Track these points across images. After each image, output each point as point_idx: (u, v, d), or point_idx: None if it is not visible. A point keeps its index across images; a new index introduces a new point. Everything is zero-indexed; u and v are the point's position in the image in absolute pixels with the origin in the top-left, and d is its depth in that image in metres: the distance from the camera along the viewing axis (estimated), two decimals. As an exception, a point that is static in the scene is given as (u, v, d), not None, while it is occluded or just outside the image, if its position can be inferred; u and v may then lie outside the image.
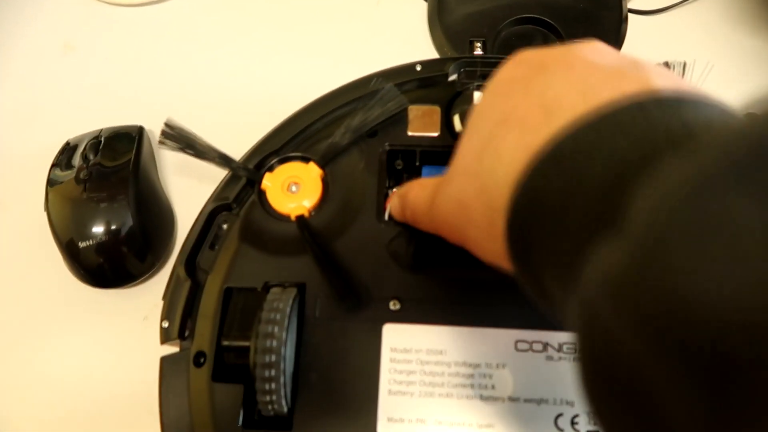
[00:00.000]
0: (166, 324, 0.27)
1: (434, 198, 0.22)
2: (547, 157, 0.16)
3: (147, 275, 0.35)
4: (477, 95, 0.29)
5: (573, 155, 0.15)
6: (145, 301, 0.35)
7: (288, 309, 0.25)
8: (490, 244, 0.19)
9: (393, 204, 0.27)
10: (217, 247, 0.29)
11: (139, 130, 0.38)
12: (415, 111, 0.30)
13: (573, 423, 0.25)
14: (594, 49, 0.19)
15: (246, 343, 0.25)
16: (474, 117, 0.20)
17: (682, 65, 0.29)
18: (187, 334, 0.28)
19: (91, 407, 0.33)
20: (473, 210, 0.19)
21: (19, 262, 0.37)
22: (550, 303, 0.17)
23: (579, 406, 0.25)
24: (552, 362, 0.26)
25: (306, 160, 0.30)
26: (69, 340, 0.35)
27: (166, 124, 0.29)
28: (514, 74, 0.19)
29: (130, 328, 0.34)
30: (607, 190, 0.14)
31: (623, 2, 0.40)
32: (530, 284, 0.18)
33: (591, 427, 0.24)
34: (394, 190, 0.28)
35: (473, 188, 0.19)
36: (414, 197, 0.24)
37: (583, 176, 0.15)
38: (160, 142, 0.29)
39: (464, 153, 0.20)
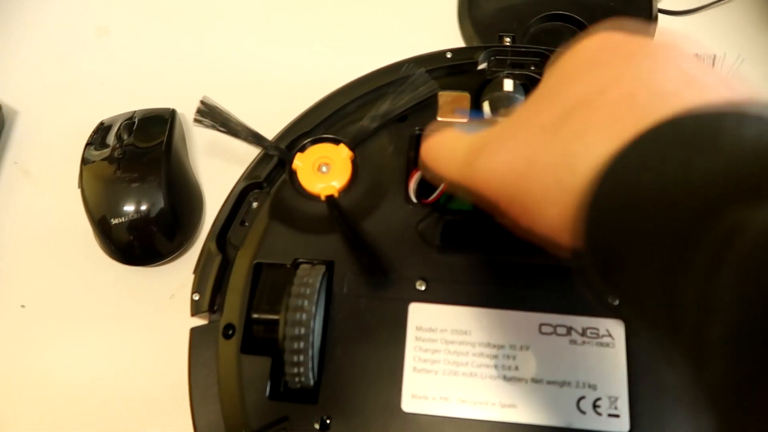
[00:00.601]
0: (197, 297, 0.28)
1: (478, 155, 0.21)
2: (648, 142, 0.15)
3: (175, 255, 0.36)
4: (507, 83, 0.29)
5: (688, 138, 0.14)
6: (172, 280, 0.36)
7: (317, 284, 0.26)
8: (546, 217, 0.18)
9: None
10: (247, 223, 0.29)
11: (172, 113, 0.38)
12: (444, 97, 0.30)
13: (595, 406, 0.25)
14: (681, 52, 0.18)
15: (275, 317, 0.26)
16: (549, 87, 0.20)
17: (711, 58, 0.29)
18: (216, 308, 0.28)
19: (117, 382, 0.34)
20: (535, 181, 0.18)
21: (52, 238, 0.38)
22: (628, 291, 0.16)
23: (601, 390, 0.25)
24: (575, 346, 0.26)
25: (336, 141, 0.30)
26: (97, 315, 0.35)
27: (202, 102, 0.29)
28: (599, 56, 0.19)
29: (157, 306, 0.35)
30: (743, 162, 0.13)
31: (653, 2, 0.40)
32: (601, 271, 0.17)
33: (613, 411, 0.25)
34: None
35: (543, 161, 0.18)
36: (445, 148, 0.23)
37: (704, 156, 0.14)
38: (196, 120, 0.30)
39: (533, 121, 0.19)
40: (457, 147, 0.22)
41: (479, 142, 0.21)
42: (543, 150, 0.18)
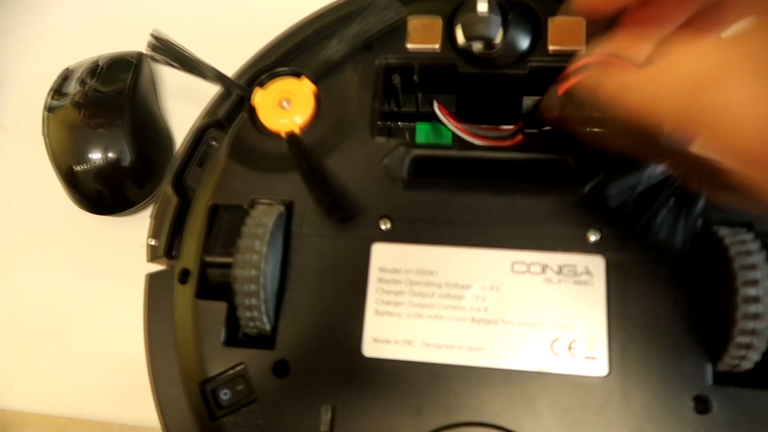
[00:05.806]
0: (153, 242, 0.27)
1: (710, 89, 0.16)
2: None
3: (145, 202, 0.35)
4: (481, 4, 0.27)
5: None
6: (143, 229, 0.34)
7: (271, 224, 0.24)
8: None
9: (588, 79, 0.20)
10: (205, 164, 0.28)
11: (139, 56, 0.37)
12: (414, 22, 0.28)
13: (570, 348, 0.23)
14: None
15: (228, 260, 0.25)
16: None
17: None
18: (174, 253, 0.27)
19: (88, 331, 0.33)
20: None
21: (20, 187, 0.37)
22: None
23: (578, 331, 0.23)
24: (551, 285, 0.24)
25: (298, 75, 0.28)
26: (68, 266, 0.35)
27: (153, 36, 0.27)
28: None
29: (128, 256, 0.34)
30: None
31: None
32: None
33: (589, 353, 0.23)
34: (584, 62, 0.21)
35: None
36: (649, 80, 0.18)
37: None
38: (149, 57, 0.28)
39: None
40: (671, 79, 0.17)
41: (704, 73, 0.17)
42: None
